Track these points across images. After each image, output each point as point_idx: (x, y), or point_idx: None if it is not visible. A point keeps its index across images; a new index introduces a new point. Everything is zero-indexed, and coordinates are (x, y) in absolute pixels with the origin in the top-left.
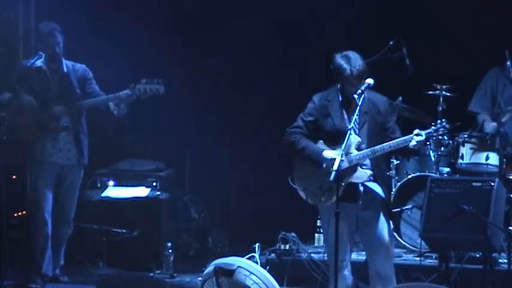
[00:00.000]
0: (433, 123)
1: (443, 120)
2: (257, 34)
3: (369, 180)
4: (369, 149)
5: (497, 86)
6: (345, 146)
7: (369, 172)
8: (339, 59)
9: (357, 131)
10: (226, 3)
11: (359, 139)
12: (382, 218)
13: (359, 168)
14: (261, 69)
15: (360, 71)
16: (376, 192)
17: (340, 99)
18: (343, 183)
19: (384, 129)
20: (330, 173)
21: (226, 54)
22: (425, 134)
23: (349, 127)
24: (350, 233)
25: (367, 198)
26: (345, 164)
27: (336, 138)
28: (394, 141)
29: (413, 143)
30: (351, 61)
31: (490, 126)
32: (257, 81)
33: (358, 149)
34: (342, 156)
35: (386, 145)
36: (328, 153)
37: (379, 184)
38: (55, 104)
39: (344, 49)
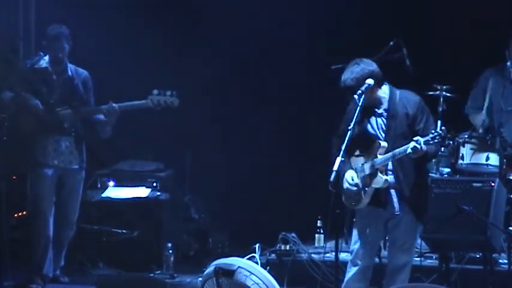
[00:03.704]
0: (432, 131)
1: (442, 128)
2: (257, 35)
3: (393, 187)
4: (384, 156)
5: (493, 86)
6: (345, 146)
7: (387, 178)
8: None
9: (383, 135)
10: (225, 5)
11: (385, 144)
12: (402, 227)
13: (379, 173)
14: (261, 69)
15: (345, 86)
16: (391, 200)
17: (360, 104)
18: (366, 188)
19: (413, 132)
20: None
21: (226, 54)
22: (424, 141)
23: (349, 128)
24: (376, 238)
25: (392, 205)
26: (367, 171)
27: (364, 144)
28: (398, 149)
29: (410, 150)
30: (344, 73)
31: (477, 119)
32: (257, 82)
33: (384, 154)
34: (341, 157)
35: (394, 153)
36: (348, 174)
37: (398, 191)
38: (58, 106)
39: (344, 48)
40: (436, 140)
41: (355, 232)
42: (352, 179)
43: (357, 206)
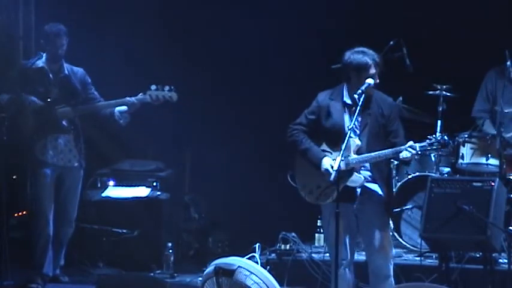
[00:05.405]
0: (428, 137)
1: (440, 135)
2: (257, 34)
3: (367, 182)
4: (366, 155)
5: (496, 87)
6: (345, 146)
7: (364, 177)
8: (355, 55)
9: (358, 132)
10: (225, 5)
11: (359, 143)
12: (381, 218)
13: (355, 172)
14: (261, 69)
15: (379, 59)
16: (375, 191)
17: (344, 99)
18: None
19: (386, 133)
20: (329, 174)
21: (225, 54)
22: (420, 147)
23: (349, 127)
24: (350, 232)
25: (365, 198)
26: (342, 167)
27: (335, 138)
28: (387, 151)
29: (405, 154)
30: (367, 53)
31: (492, 130)
32: (257, 82)
33: (357, 152)
34: (342, 157)
35: (381, 153)
36: (327, 161)
37: (378, 185)
38: (56, 105)
39: (344, 48)
40: (434, 147)
41: (329, 232)
42: (332, 167)
43: (321, 201)
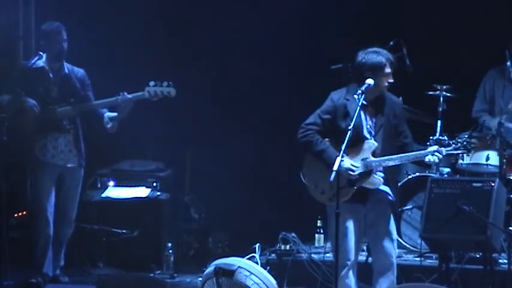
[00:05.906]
0: (453, 142)
1: (465, 140)
2: (257, 34)
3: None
4: (386, 158)
5: (495, 87)
6: (346, 145)
7: (382, 179)
8: (369, 55)
9: (373, 132)
10: (226, 4)
11: (376, 144)
12: (390, 220)
13: (374, 174)
14: (262, 69)
15: (393, 58)
16: (386, 193)
17: (359, 104)
18: (355, 187)
19: (397, 133)
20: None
21: (226, 53)
22: (446, 151)
23: (350, 127)
24: (358, 234)
25: (375, 199)
26: (360, 169)
27: (353, 139)
28: (412, 154)
29: (431, 159)
30: (381, 53)
31: (493, 122)
32: (257, 82)
33: (374, 154)
34: (342, 157)
35: (403, 156)
36: (347, 161)
37: (389, 187)
38: (56, 104)
39: (344, 48)
40: (459, 151)
41: (332, 231)
42: (353, 166)
43: (334, 202)
